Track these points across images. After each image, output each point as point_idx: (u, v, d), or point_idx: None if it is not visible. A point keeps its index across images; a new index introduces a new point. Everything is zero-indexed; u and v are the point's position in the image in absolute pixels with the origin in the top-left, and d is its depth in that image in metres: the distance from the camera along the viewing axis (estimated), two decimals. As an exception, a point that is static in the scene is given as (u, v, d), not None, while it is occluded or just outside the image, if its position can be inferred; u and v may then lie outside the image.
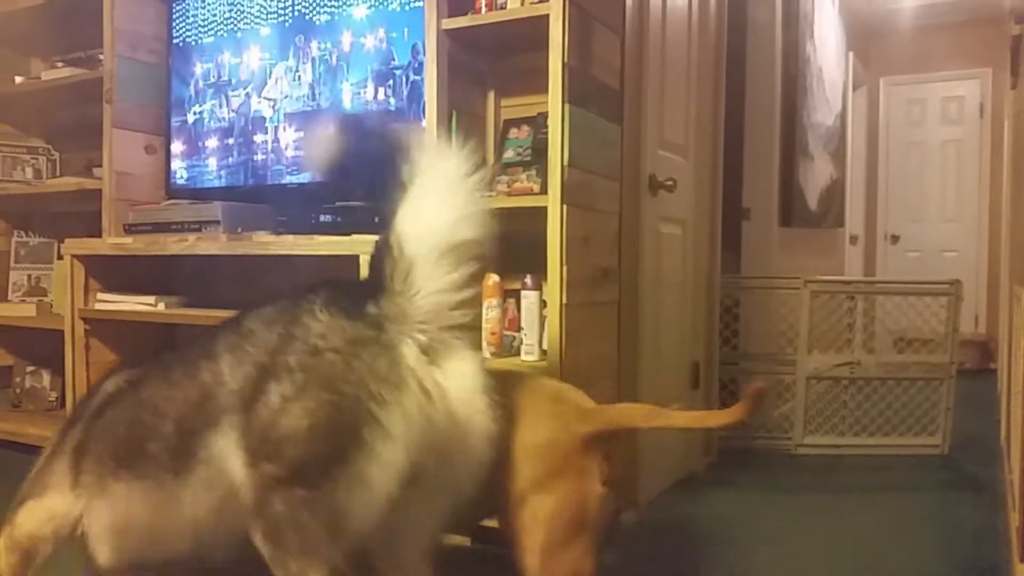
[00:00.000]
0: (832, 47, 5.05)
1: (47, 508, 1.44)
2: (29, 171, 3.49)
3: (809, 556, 2.27)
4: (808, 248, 4.63)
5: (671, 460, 2.90)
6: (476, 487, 1.31)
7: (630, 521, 2.48)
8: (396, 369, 1.23)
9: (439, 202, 1.30)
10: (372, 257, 1.34)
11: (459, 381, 1.28)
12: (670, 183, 2.70)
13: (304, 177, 2.70)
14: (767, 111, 3.83)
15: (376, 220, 2.38)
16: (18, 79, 3.37)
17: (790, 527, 2.53)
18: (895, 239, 6.79)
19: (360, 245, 2.17)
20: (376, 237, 2.10)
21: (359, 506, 1.21)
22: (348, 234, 2.25)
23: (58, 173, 3.51)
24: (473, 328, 1.41)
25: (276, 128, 2.76)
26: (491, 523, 1.56)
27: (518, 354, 2.26)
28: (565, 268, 2.11)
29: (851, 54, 5.64)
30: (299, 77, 2.70)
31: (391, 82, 2.50)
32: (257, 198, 2.75)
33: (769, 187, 3.87)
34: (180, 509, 1.34)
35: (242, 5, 2.82)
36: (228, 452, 1.28)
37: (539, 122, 2.41)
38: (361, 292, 1.31)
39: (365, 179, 1.41)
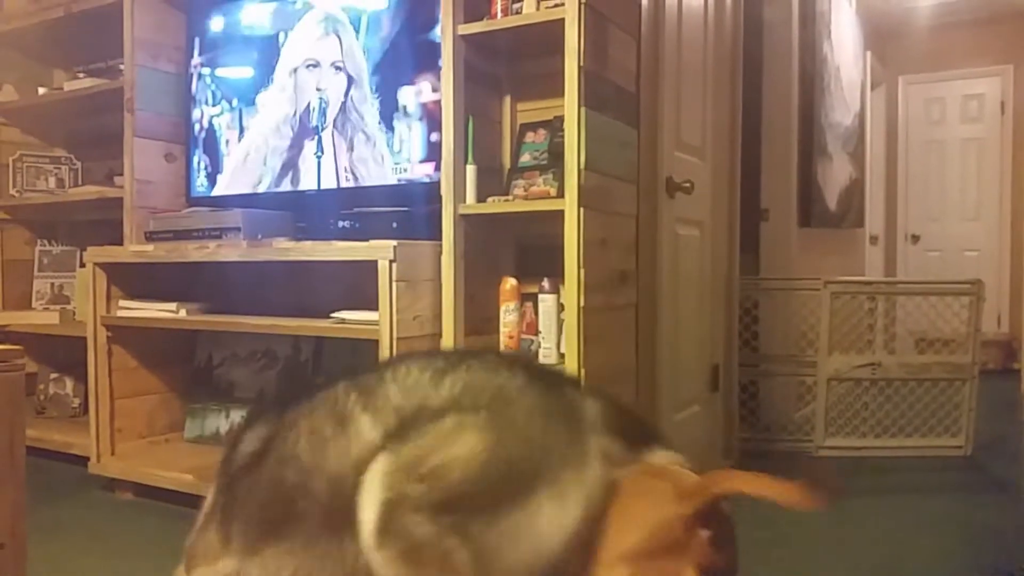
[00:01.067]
0: (850, 46, 5.03)
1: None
2: (52, 180, 3.53)
3: (830, 558, 2.26)
4: (828, 249, 4.61)
5: (691, 462, 2.89)
6: None
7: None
8: (585, 464, 1.18)
9: None
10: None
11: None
12: (688, 185, 2.70)
13: (323, 183, 2.71)
14: (785, 111, 3.82)
15: (394, 225, 2.40)
16: (41, 90, 3.41)
17: (810, 529, 2.51)
18: (915, 239, 6.73)
19: (379, 250, 2.19)
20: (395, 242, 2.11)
21: (514, 554, 1.13)
22: (366, 240, 2.26)
23: (80, 182, 3.56)
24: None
25: (296, 135, 2.78)
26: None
27: (536, 358, 2.26)
28: (583, 271, 2.11)
29: (869, 53, 5.61)
30: (320, 84, 2.72)
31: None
32: (276, 205, 2.77)
33: (788, 188, 3.85)
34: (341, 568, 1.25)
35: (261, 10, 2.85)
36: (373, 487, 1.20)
37: (555, 126, 2.41)
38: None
39: None
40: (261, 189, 2.86)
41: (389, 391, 1.26)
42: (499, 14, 2.31)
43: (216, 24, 2.99)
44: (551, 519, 1.13)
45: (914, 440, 3.44)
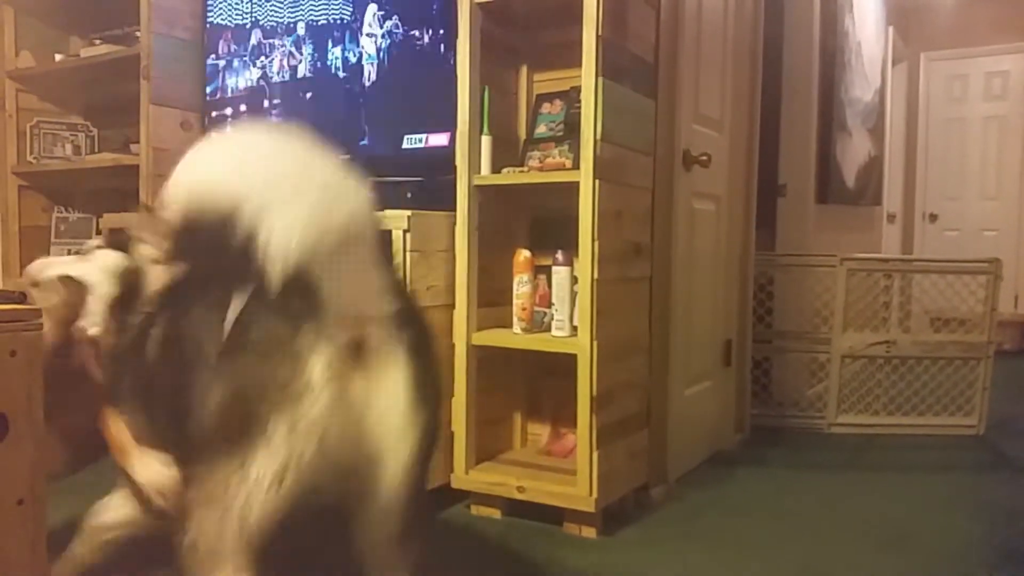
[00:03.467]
0: (871, 21, 4.96)
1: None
2: (68, 147, 3.54)
3: (841, 534, 2.26)
4: (844, 225, 4.58)
5: (702, 436, 2.90)
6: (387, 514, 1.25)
7: (660, 497, 2.48)
8: (298, 378, 1.15)
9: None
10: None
11: (382, 395, 1.20)
12: (704, 158, 2.68)
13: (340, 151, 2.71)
14: (804, 86, 3.78)
15: (409, 196, 2.40)
16: (58, 57, 3.42)
17: (822, 505, 2.52)
18: (933, 218, 6.67)
19: (393, 220, 2.19)
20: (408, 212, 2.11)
21: (248, 500, 1.14)
22: (381, 209, 2.26)
23: (97, 149, 3.56)
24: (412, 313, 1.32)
25: (311, 104, 2.78)
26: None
27: (549, 330, 2.26)
28: (597, 243, 2.11)
29: (891, 28, 5.53)
30: (333, 53, 2.71)
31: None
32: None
33: (806, 163, 3.82)
34: None
35: (276, -19, 2.84)
36: None
37: (572, 96, 2.39)
38: (296, 283, 1.15)
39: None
40: (276, 158, 2.85)
41: None
42: (517, -18, 2.29)
43: (232, -9, 2.98)
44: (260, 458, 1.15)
45: (927, 419, 3.43)
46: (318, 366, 1.15)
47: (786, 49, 3.72)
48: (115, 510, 1.54)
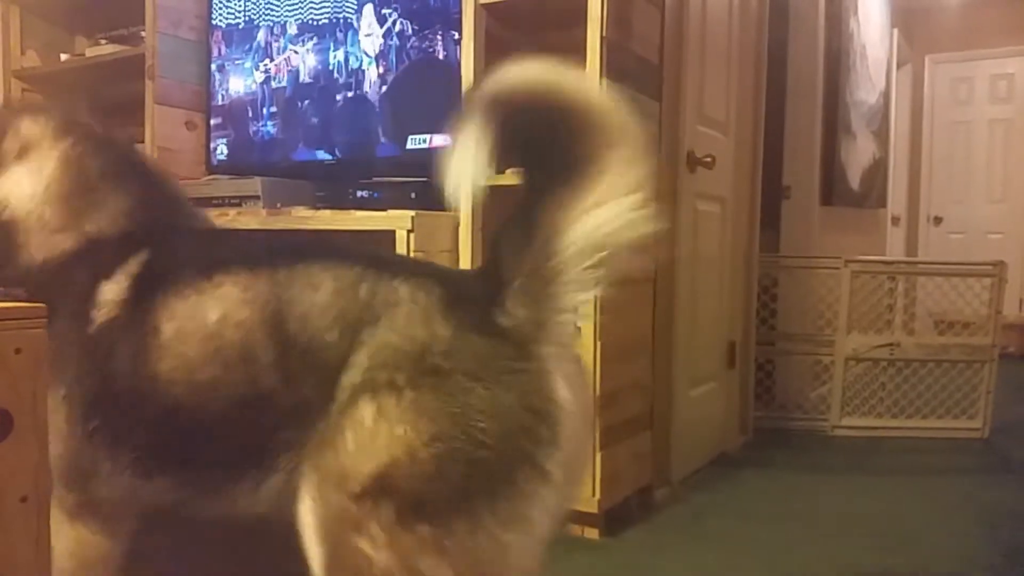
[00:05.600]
0: (876, 24, 4.96)
1: None
2: (73, 147, 3.55)
3: (845, 537, 2.26)
4: (849, 228, 4.57)
5: (706, 438, 2.90)
6: None
7: (663, 498, 2.48)
8: (552, 402, 1.00)
9: (623, 190, 1.02)
10: (497, 244, 1.08)
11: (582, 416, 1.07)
12: (709, 160, 2.67)
13: (343, 152, 2.71)
14: (809, 88, 3.77)
15: (413, 196, 2.40)
16: (63, 56, 3.42)
17: (826, 508, 2.51)
18: (938, 220, 6.66)
19: (397, 220, 2.18)
20: (412, 212, 2.10)
21: (519, 552, 1.00)
22: (384, 209, 2.26)
23: (101, 149, 3.56)
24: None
25: (315, 104, 2.78)
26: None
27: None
28: (601, 244, 2.10)
29: (895, 31, 5.52)
30: (342, 53, 2.71)
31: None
32: (296, 174, 2.77)
33: (810, 165, 3.82)
34: None
35: (281, -19, 2.84)
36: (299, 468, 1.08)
37: (576, 98, 2.39)
38: (477, 290, 1.06)
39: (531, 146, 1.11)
40: (281, 158, 2.86)
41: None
42: (522, -17, 2.29)
43: (238, -9, 2.98)
44: (544, 497, 0.99)
45: (931, 421, 3.42)
46: (561, 380, 1.02)
47: (791, 51, 3.72)
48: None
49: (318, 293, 1.10)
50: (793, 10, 3.70)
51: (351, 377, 1.03)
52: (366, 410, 1.00)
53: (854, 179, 4.56)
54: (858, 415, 3.47)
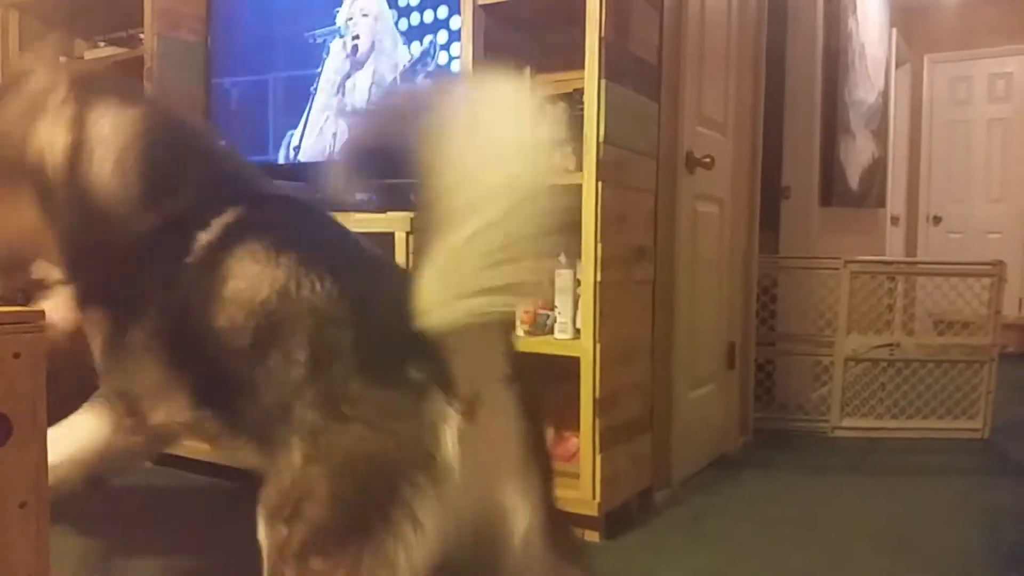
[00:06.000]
0: (875, 23, 4.96)
1: None
2: (72, 149, 3.54)
3: (845, 539, 2.25)
4: (848, 228, 4.57)
5: (706, 440, 2.90)
6: None
7: (664, 500, 2.48)
8: (436, 453, 1.05)
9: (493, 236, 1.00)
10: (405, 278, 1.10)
11: (497, 455, 1.13)
12: (708, 160, 2.67)
13: (342, 155, 2.71)
14: (808, 88, 3.78)
15: (412, 197, 2.39)
16: (62, 59, 3.42)
17: (826, 509, 2.51)
18: (937, 220, 6.67)
19: (395, 222, 2.19)
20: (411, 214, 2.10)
21: None
22: (384, 211, 2.26)
23: (100, 151, 3.56)
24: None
25: (313, 106, 2.78)
26: None
27: (552, 332, 2.26)
28: (600, 246, 2.10)
29: (894, 30, 5.53)
30: (343, 52, 2.71)
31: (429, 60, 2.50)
32: (294, 176, 2.77)
33: (809, 165, 3.82)
34: None
35: (280, -17, 2.84)
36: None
37: (575, 99, 2.39)
38: (399, 333, 1.07)
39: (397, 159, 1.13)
40: (280, 159, 2.86)
41: None
42: (520, -16, 2.29)
43: (236, -6, 2.98)
44: (412, 543, 1.05)
45: (931, 422, 3.42)
46: (449, 436, 1.05)
47: (789, 51, 3.72)
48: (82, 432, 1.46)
49: (324, 318, 1.15)
50: (791, 10, 3.70)
51: (300, 405, 1.11)
52: (295, 448, 1.09)
53: (853, 179, 4.56)
54: (858, 416, 3.47)
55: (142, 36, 3.02)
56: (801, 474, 2.89)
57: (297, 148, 2.81)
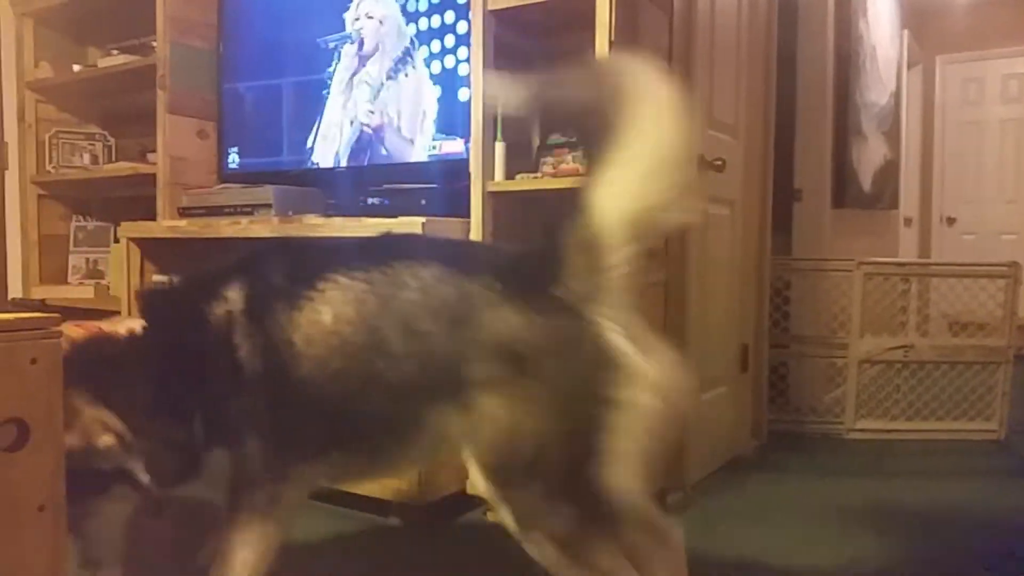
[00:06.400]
0: (886, 24, 4.94)
1: None
2: (87, 157, 3.58)
3: (860, 542, 2.24)
4: (861, 230, 4.55)
5: (719, 442, 2.89)
6: None
7: (676, 503, 2.47)
8: (609, 351, 1.19)
9: (651, 165, 1.20)
10: (549, 222, 1.26)
11: (668, 375, 1.22)
12: (719, 163, 2.67)
13: (354, 160, 2.72)
14: (819, 90, 3.76)
15: (423, 202, 2.41)
16: (76, 67, 3.45)
17: (840, 512, 2.50)
18: (951, 221, 6.63)
19: (407, 227, 2.19)
20: (422, 219, 2.11)
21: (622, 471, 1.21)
22: (395, 216, 2.27)
23: (114, 158, 3.60)
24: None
25: (326, 110, 2.79)
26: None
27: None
28: (612, 249, 2.10)
29: (906, 32, 5.50)
30: (354, 59, 2.72)
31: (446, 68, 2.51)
32: (307, 182, 2.79)
33: (822, 167, 3.80)
34: None
35: (291, -10, 2.86)
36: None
37: (586, 103, 2.39)
38: (531, 268, 1.25)
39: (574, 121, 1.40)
40: (292, 166, 2.87)
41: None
42: (530, -11, 2.29)
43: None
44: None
45: (946, 424, 3.40)
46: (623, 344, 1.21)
47: (800, 53, 3.71)
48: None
49: (406, 291, 1.29)
50: (802, 13, 3.69)
51: (468, 371, 1.24)
52: (488, 404, 1.23)
53: (866, 181, 4.54)
54: (873, 418, 3.45)
55: (154, 44, 3.05)
56: (815, 477, 2.88)
57: (311, 150, 2.82)
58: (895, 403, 3.47)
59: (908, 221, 6.17)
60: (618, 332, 1.19)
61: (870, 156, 4.62)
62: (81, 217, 3.61)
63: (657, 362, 1.21)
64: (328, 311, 1.32)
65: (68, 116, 3.63)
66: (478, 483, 1.29)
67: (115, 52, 3.35)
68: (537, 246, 1.30)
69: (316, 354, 1.32)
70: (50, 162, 3.54)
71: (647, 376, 1.19)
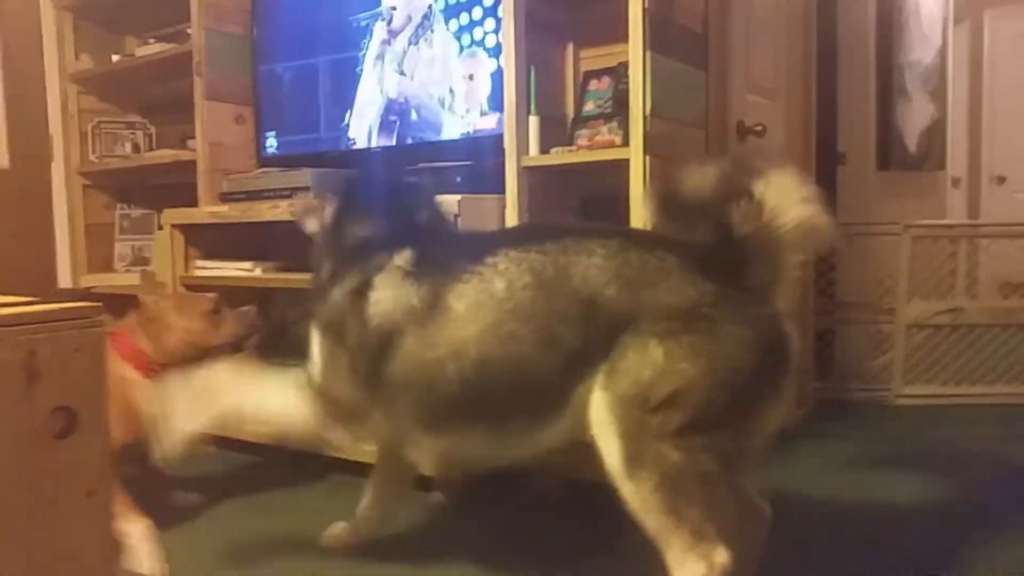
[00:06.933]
0: (930, -21, 4.79)
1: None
2: (128, 146, 3.63)
3: (909, 512, 2.21)
4: (907, 192, 4.44)
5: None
6: None
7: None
8: (784, 338, 1.35)
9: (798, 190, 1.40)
10: (722, 216, 1.39)
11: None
12: (759, 128, 2.63)
13: (390, 140, 2.73)
14: (861, 50, 3.68)
15: (458, 179, 2.40)
16: (115, 57, 3.50)
17: (888, 481, 2.46)
18: (1001, 180, 6.44)
19: (444, 205, 2.19)
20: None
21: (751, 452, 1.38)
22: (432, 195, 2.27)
23: (155, 146, 3.64)
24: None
25: (360, 88, 2.79)
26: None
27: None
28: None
29: (951, -14, 5.33)
30: (388, 42, 2.72)
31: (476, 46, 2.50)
32: (345, 163, 2.80)
33: (865, 129, 3.72)
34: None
35: (321, -29, 2.86)
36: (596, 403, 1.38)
37: (620, 72, 2.37)
38: (718, 258, 1.38)
39: None
40: (329, 147, 2.89)
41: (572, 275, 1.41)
42: (560, -41, 2.26)
43: (279, -16, 3.01)
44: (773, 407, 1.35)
45: (998, 387, 3.33)
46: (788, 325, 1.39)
47: (840, 13, 3.62)
48: None
49: (593, 258, 1.40)
50: (842, -30, 3.59)
51: (640, 326, 1.34)
52: (656, 351, 1.32)
53: (911, 142, 4.43)
54: (921, 383, 3.39)
55: (190, 31, 3.07)
56: (862, 445, 2.84)
57: (347, 129, 2.83)
58: (944, 368, 3.40)
59: (956, 181, 6.01)
60: (788, 322, 1.36)
61: (915, 116, 4.50)
62: (125, 205, 3.67)
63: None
64: (502, 279, 1.44)
65: (109, 106, 3.68)
66: (598, 415, 1.37)
67: (152, 40, 3.38)
68: (711, 240, 1.41)
69: (483, 318, 1.43)
70: (93, 152, 3.60)
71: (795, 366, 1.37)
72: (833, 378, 3.48)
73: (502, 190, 2.28)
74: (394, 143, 2.71)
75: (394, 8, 2.67)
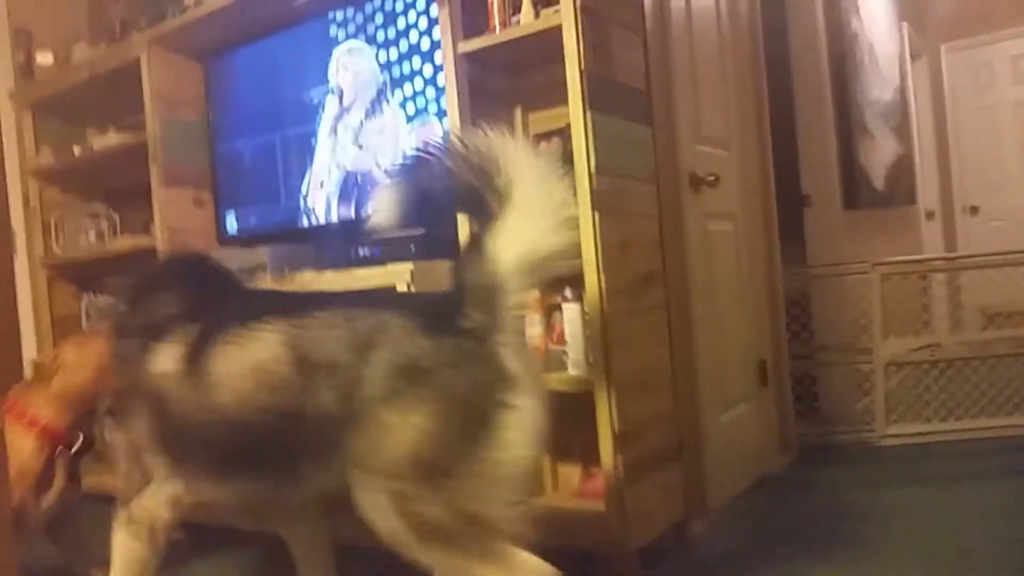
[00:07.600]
0: (882, 20, 4.88)
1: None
2: (92, 235, 3.61)
3: (902, 557, 2.15)
4: (879, 229, 4.45)
5: (743, 462, 2.81)
6: None
7: (700, 530, 2.39)
8: (503, 368, 1.37)
9: (534, 214, 1.36)
10: (456, 267, 1.45)
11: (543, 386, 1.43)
12: (712, 178, 2.63)
13: (343, 214, 2.72)
14: (817, 93, 3.70)
15: (412, 248, 2.39)
16: (76, 150, 3.51)
17: (877, 527, 2.39)
18: (975, 210, 6.47)
19: (396, 274, 2.17)
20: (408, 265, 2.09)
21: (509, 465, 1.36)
22: (385, 264, 2.26)
23: (119, 232, 3.63)
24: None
25: (319, 168, 2.80)
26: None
27: (566, 368, 2.22)
28: (603, 276, 2.07)
29: (904, 24, 5.42)
30: (340, 117, 2.73)
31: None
32: (302, 239, 2.79)
33: (828, 170, 3.73)
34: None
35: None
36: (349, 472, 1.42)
37: (567, 133, 2.36)
38: (443, 308, 1.41)
39: (436, 212, 1.65)
40: (288, 223, 2.88)
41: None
42: (497, 28, 2.29)
43: (230, 69, 3.04)
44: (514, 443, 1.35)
45: (982, 421, 3.27)
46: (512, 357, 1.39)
47: (793, 59, 3.66)
48: None
49: (333, 330, 1.47)
50: (791, 20, 3.64)
51: (367, 390, 1.39)
52: (386, 415, 1.37)
53: (878, 179, 4.45)
54: (905, 422, 3.33)
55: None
56: (849, 490, 2.78)
57: (306, 201, 2.83)
58: (926, 405, 3.36)
59: (930, 214, 6.04)
60: (510, 351, 1.38)
61: (879, 154, 4.53)
62: (92, 293, 3.64)
63: (536, 375, 1.44)
64: (261, 350, 1.52)
65: (72, 197, 3.68)
66: (362, 499, 1.40)
67: (112, 131, 3.40)
68: (447, 289, 1.47)
69: (243, 388, 1.52)
70: (57, 244, 3.58)
71: (528, 385, 1.37)
72: (819, 422, 3.43)
73: (456, 255, 2.26)
74: (349, 215, 2.70)
75: (342, 85, 2.69)
